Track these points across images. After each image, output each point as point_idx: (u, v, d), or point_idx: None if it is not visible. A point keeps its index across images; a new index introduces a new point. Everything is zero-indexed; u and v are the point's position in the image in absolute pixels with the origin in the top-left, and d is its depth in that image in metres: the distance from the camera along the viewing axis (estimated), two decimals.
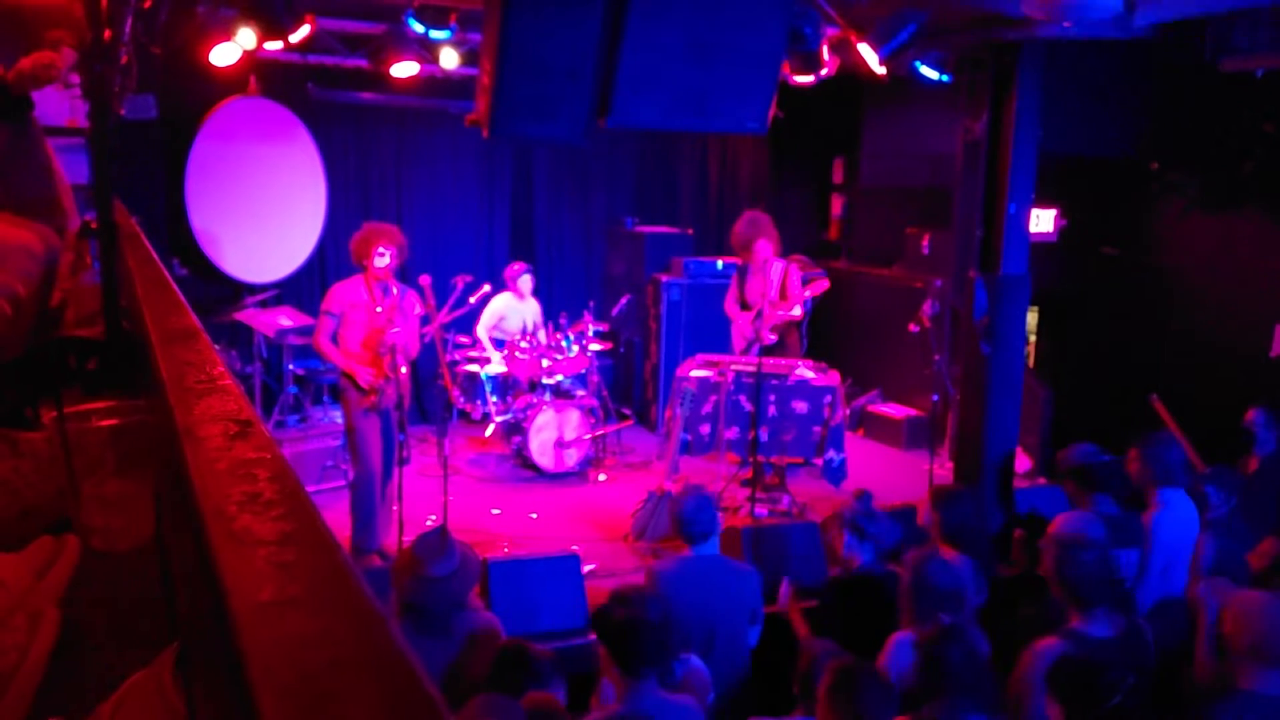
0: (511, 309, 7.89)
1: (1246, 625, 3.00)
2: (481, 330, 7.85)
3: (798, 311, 6.93)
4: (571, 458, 7.25)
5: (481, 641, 3.53)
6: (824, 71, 6.12)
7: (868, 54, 5.39)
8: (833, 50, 6.05)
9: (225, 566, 0.63)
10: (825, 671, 3.06)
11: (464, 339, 7.98)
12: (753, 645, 4.16)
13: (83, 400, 2.52)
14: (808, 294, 7.02)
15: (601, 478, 7.38)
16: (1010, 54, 5.56)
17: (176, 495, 1.12)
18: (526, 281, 7.88)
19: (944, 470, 6.98)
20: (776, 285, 6.87)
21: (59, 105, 5.48)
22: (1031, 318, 7.68)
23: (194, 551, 0.78)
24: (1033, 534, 5.44)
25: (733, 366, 6.80)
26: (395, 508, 5.51)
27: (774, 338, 6.89)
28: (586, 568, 5.21)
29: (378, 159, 8.59)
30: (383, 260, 5.43)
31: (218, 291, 7.63)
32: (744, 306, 7.11)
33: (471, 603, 3.78)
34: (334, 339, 5.50)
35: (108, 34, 2.94)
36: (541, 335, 7.58)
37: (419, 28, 5.94)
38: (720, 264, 8.58)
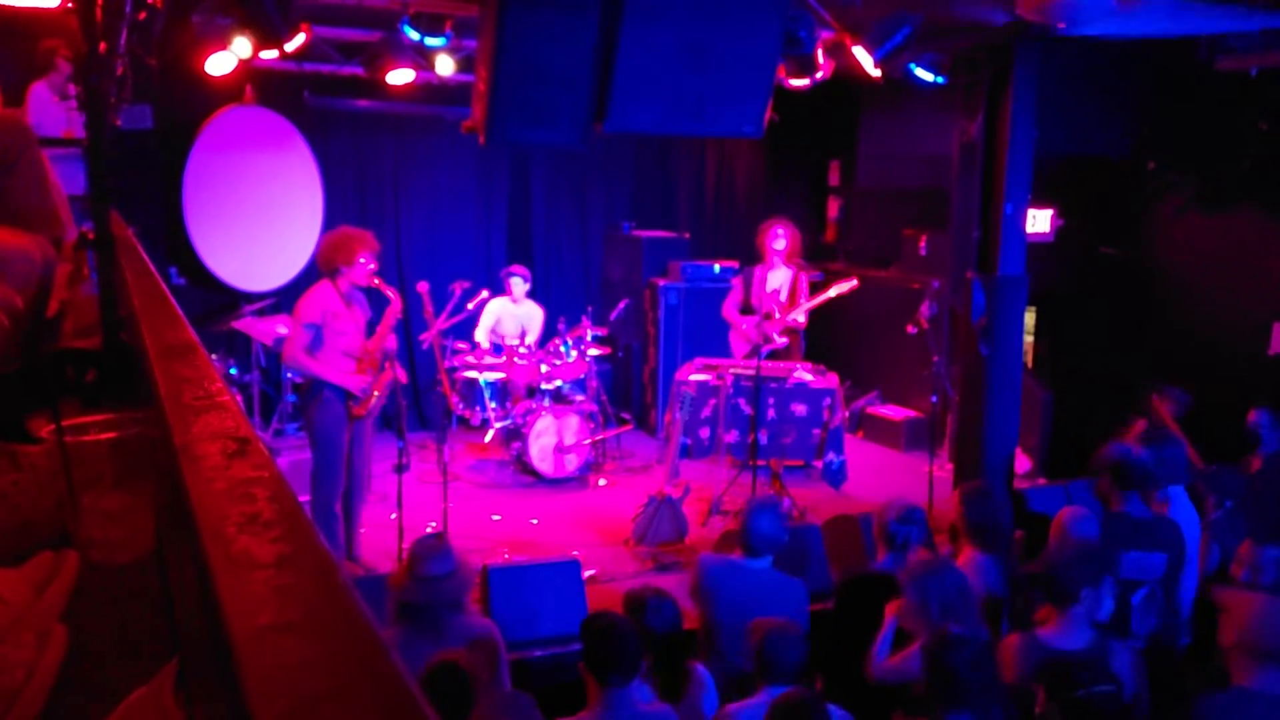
0: (506, 312, 7.89)
1: (1248, 624, 3.09)
2: (480, 335, 7.85)
3: (802, 318, 6.93)
4: (571, 463, 7.25)
5: (479, 646, 3.55)
6: (819, 75, 6.13)
7: (863, 57, 5.39)
8: (828, 53, 6.05)
9: (224, 590, 0.62)
10: (772, 704, 3.10)
11: (462, 345, 7.98)
12: None
13: (81, 413, 2.51)
14: (833, 293, 7.01)
15: (601, 482, 7.37)
16: (1005, 55, 5.56)
17: (175, 510, 1.12)
18: (518, 284, 7.87)
19: (944, 472, 6.97)
20: (787, 290, 6.86)
21: (55, 116, 5.49)
22: (1029, 318, 7.68)
23: (193, 573, 0.78)
24: (1033, 535, 5.44)
25: (731, 370, 6.80)
26: (394, 515, 5.49)
27: (785, 340, 6.87)
28: (587, 573, 5.21)
29: (375, 166, 8.58)
30: (367, 268, 5.20)
31: (215, 300, 7.62)
32: (746, 311, 7.09)
33: (467, 607, 3.80)
34: (308, 350, 5.16)
35: (103, 46, 2.94)
36: (530, 337, 7.56)
37: (414, 35, 5.93)
38: (717, 268, 8.58)
